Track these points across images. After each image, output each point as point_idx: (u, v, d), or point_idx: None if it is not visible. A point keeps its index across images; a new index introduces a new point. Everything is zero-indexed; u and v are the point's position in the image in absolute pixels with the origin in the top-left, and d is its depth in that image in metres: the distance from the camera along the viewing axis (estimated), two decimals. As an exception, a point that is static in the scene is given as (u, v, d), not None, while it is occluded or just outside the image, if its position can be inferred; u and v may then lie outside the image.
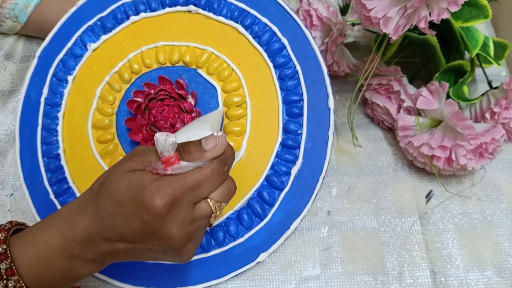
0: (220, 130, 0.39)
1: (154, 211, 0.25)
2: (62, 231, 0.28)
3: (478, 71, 0.47)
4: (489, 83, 0.43)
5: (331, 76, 0.44)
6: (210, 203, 0.28)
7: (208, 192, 0.28)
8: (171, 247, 0.27)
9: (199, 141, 0.28)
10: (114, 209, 0.26)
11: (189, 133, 0.31)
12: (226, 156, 0.29)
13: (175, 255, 0.28)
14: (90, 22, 0.44)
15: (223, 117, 0.39)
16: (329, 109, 0.38)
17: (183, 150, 0.28)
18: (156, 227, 0.26)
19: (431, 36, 0.38)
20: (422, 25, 0.32)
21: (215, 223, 0.38)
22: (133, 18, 0.43)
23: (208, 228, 0.31)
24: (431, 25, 0.32)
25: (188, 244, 0.28)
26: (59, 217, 0.29)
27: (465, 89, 0.41)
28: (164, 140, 0.26)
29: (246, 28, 0.40)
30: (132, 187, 0.26)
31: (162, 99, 0.39)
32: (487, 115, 0.39)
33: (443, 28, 0.39)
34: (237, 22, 0.41)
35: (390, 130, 0.46)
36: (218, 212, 0.29)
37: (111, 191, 0.26)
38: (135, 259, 0.29)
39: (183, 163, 0.27)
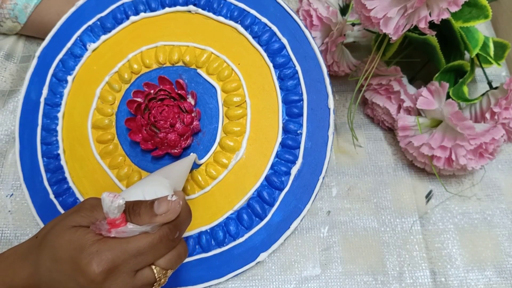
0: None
1: (90, 276, 0.24)
2: (2, 277, 0.27)
3: (478, 71, 0.47)
4: (489, 83, 0.43)
5: (331, 76, 0.44)
6: (155, 270, 0.26)
7: (153, 260, 0.26)
8: None
9: (151, 203, 0.26)
10: (52, 265, 0.25)
11: (147, 189, 0.29)
12: (180, 221, 0.27)
13: None
14: (90, 22, 0.44)
15: (219, 124, 0.39)
16: (329, 109, 0.38)
17: (133, 211, 0.26)
18: None
19: (431, 36, 0.38)
20: (422, 25, 0.32)
21: None
22: (132, 18, 0.43)
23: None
24: (431, 25, 0.32)
25: None
26: (3, 261, 0.28)
27: (465, 89, 0.41)
28: (110, 202, 0.24)
29: (246, 28, 0.40)
30: (72, 246, 0.25)
31: (162, 99, 0.39)
32: (487, 115, 0.39)
33: (443, 28, 0.39)
34: (237, 22, 0.41)
35: (390, 130, 0.46)
36: (162, 280, 0.27)
37: (52, 246, 0.25)
38: None
39: (129, 226, 0.25)
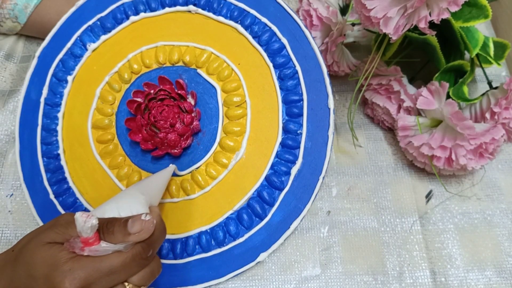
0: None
1: None
2: None
3: (478, 71, 0.47)
4: (489, 83, 0.43)
5: (331, 76, 0.44)
6: (127, 287, 0.27)
7: (125, 277, 0.27)
8: None
9: (125, 221, 0.26)
10: (27, 280, 0.25)
11: (122, 205, 0.29)
12: (153, 240, 0.27)
13: None
14: (90, 22, 0.44)
15: (219, 124, 0.39)
16: (329, 109, 0.38)
17: (106, 229, 0.26)
18: None
19: (431, 36, 0.38)
20: (422, 25, 0.32)
21: None
22: (132, 18, 0.43)
23: None
24: (431, 25, 0.32)
25: None
26: None
27: (465, 89, 0.41)
28: (83, 222, 0.24)
29: (246, 28, 0.40)
30: (46, 263, 0.25)
31: (162, 99, 0.39)
32: (487, 115, 0.39)
33: (443, 28, 0.39)
34: (236, 22, 0.41)
35: (390, 130, 0.46)
36: None
37: (27, 262, 0.26)
38: None
39: (103, 244, 0.26)
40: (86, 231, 0.25)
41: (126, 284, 0.27)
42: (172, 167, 0.37)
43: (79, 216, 0.24)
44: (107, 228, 0.26)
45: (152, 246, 0.28)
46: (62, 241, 0.26)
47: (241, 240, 0.37)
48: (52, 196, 0.40)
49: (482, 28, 0.51)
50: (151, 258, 0.28)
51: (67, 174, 0.41)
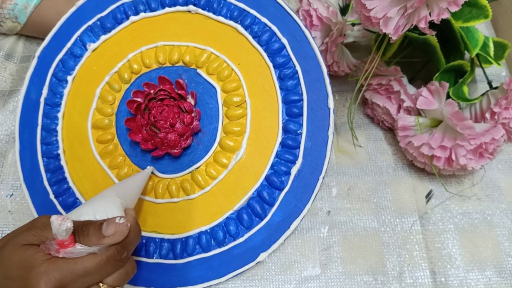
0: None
1: None
2: None
3: (478, 71, 0.47)
4: (489, 83, 0.43)
5: (331, 76, 0.44)
6: None
7: (100, 279, 0.27)
8: None
9: (100, 224, 0.27)
10: (4, 282, 0.26)
11: (98, 208, 0.29)
12: (127, 242, 0.28)
13: None
14: (90, 22, 0.44)
15: (219, 124, 0.39)
16: (329, 109, 0.38)
17: (81, 232, 0.27)
18: None
19: (431, 36, 0.38)
20: (422, 25, 0.32)
21: None
22: (132, 18, 0.43)
23: None
24: (431, 25, 0.32)
25: None
26: None
27: (465, 89, 0.41)
28: (59, 225, 0.25)
29: (246, 28, 0.40)
30: (22, 265, 0.26)
31: (162, 99, 0.39)
32: (487, 115, 0.39)
33: (443, 28, 0.39)
34: (236, 22, 0.41)
35: (390, 130, 0.46)
36: None
37: (3, 263, 0.26)
38: None
39: (78, 246, 0.26)
40: (61, 234, 0.26)
41: (101, 285, 0.28)
42: (149, 169, 0.38)
43: (54, 219, 0.25)
44: (82, 231, 0.27)
45: (127, 248, 0.29)
46: (38, 243, 0.27)
47: (241, 240, 0.37)
48: (52, 196, 0.40)
49: (482, 28, 0.51)
50: (125, 260, 0.29)
51: (67, 174, 0.41)
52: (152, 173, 0.39)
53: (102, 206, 0.30)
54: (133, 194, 0.34)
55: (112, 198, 0.31)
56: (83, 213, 0.29)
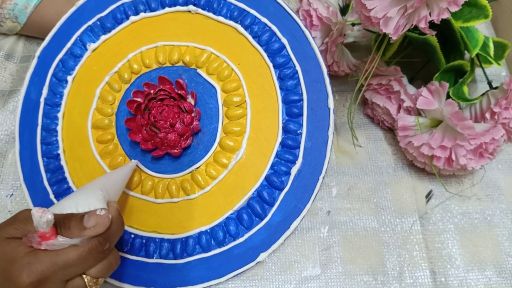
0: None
1: (20, 287, 0.25)
2: None
3: (478, 71, 0.47)
4: (489, 83, 0.43)
5: (331, 76, 0.44)
6: (86, 279, 0.28)
7: (82, 270, 0.28)
8: None
9: (82, 216, 0.28)
10: None
11: (80, 201, 0.30)
12: (110, 234, 0.29)
13: None
14: (90, 22, 0.44)
15: (219, 124, 0.39)
16: (329, 109, 0.38)
17: (63, 224, 0.27)
18: None
19: (431, 36, 0.38)
20: (422, 25, 0.32)
21: None
22: (132, 18, 0.43)
23: None
24: (431, 25, 0.32)
25: None
26: None
27: (465, 89, 0.41)
28: (39, 217, 0.25)
29: (246, 28, 0.40)
30: (4, 258, 0.26)
31: (162, 99, 0.39)
32: (487, 115, 0.39)
33: (443, 28, 0.39)
34: (236, 22, 0.41)
35: (390, 130, 0.46)
36: (94, 287, 0.28)
37: None
38: None
39: (59, 239, 0.27)
40: (42, 226, 0.26)
41: (84, 276, 0.28)
42: (133, 163, 0.38)
43: (35, 211, 0.26)
44: (64, 223, 0.27)
45: (109, 240, 0.29)
46: (21, 236, 0.27)
47: (241, 240, 0.37)
48: (52, 196, 0.40)
49: (482, 28, 0.51)
50: (108, 251, 0.29)
51: (67, 174, 0.41)
52: (138, 167, 0.39)
53: (85, 199, 0.30)
54: (116, 187, 0.34)
55: (94, 191, 0.31)
56: (65, 207, 0.29)
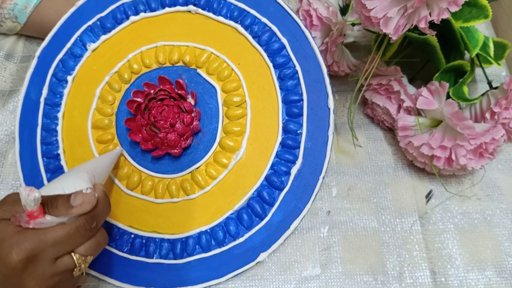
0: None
1: (11, 265, 0.26)
2: None
3: (478, 71, 0.47)
4: (489, 83, 0.43)
5: (331, 76, 0.44)
6: (74, 257, 0.28)
7: (71, 248, 0.28)
8: None
9: (68, 196, 0.28)
10: None
11: (66, 184, 0.31)
12: (97, 212, 0.29)
13: None
14: (90, 22, 0.44)
15: (219, 124, 0.39)
16: (329, 109, 0.38)
17: (50, 204, 0.28)
18: (15, 281, 0.26)
19: (431, 36, 0.38)
20: (422, 25, 0.32)
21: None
22: (132, 18, 0.43)
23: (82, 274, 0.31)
24: (431, 25, 0.32)
25: None
26: None
27: (465, 89, 0.41)
28: (27, 196, 0.26)
29: (246, 28, 0.40)
30: None
31: (162, 99, 0.39)
32: (487, 115, 0.39)
33: (443, 28, 0.39)
34: (236, 22, 0.41)
35: (390, 130, 0.46)
36: (82, 265, 0.29)
37: None
38: None
39: (47, 217, 0.27)
40: (30, 204, 0.26)
41: (73, 254, 0.28)
42: (118, 150, 0.39)
43: (22, 190, 0.26)
44: (51, 203, 0.28)
45: (96, 219, 0.29)
46: (9, 218, 0.28)
47: (241, 240, 0.37)
48: (52, 196, 0.40)
49: (482, 28, 0.51)
50: (95, 230, 0.30)
51: (67, 174, 0.41)
52: (123, 154, 0.40)
53: (71, 181, 0.31)
54: (102, 171, 0.35)
55: (80, 174, 0.32)
56: (52, 189, 0.30)
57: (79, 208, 0.28)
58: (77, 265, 0.29)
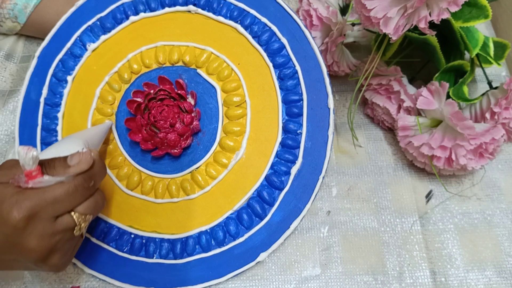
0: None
1: (12, 223, 0.26)
2: None
3: (478, 71, 0.47)
4: (489, 83, 0.43)
5: (331, 76, 0.44)
6: (74, 216, 0.29)
7: (71, 207, 0.29)
8: (33, 259, 0.28)
9: (65, 158, 0.29)
10: None
11: (61, 148, 0.31)
12: (94, 172, 0.30)
13: (41, 266, 0.29)
14: (90, 22, 0.44)
15: (218, 124, 0.39)
16: (329, 109, 0.38)
17: (48, 164, 0.28)
18: (16, 240, 0.27)
19: (431, 36, 0.38)
20: (422, 25, 0.32)
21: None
22: (132, 18, 0.43)
23: (81, 237, 0.32)
24: (431, 25, 0.32)
25: (52, 256, 0.29)
26: None
27: (465, 89, 0.41)
28: (25, 154, 0.26)
29: (246, 28, 0.40)
30: None
31: (161, 99, 0.39)
32: (487, 115, 0.39)
33: (443, 28, 0.39)
34: (236, 22, 0.41)
35: (390, 130, 0.46)
36: (82, 224, 0.30)
37: None
38: (4, 269, 0.30)
39: (46, 177, 0.27)
40: (29, 163, 0.27)
41: (72, 213, 0.29)
42: (109, 123, 0.40)
43: (20, 149, 0.26)
44: (48, 164, 0.28)
45: (93, 178, 0.30)
46: (7, 181, 0.28)
47: (241, 240, 0.37)
48: (52, 196, 0.40)
49: (482, 28, 0.51)
50: (93, 189, 0.30)
51: (67, 174, 0.41)
52: (111, 129, 0.41)
53: (66, 147, 0.31)
54: (94, 140, 0.36)
55: (74, 140, 0.33)
56: (48, 154, 0.30)
57: (77, 167, 0.28)
58: (77, 223, 0.29)
